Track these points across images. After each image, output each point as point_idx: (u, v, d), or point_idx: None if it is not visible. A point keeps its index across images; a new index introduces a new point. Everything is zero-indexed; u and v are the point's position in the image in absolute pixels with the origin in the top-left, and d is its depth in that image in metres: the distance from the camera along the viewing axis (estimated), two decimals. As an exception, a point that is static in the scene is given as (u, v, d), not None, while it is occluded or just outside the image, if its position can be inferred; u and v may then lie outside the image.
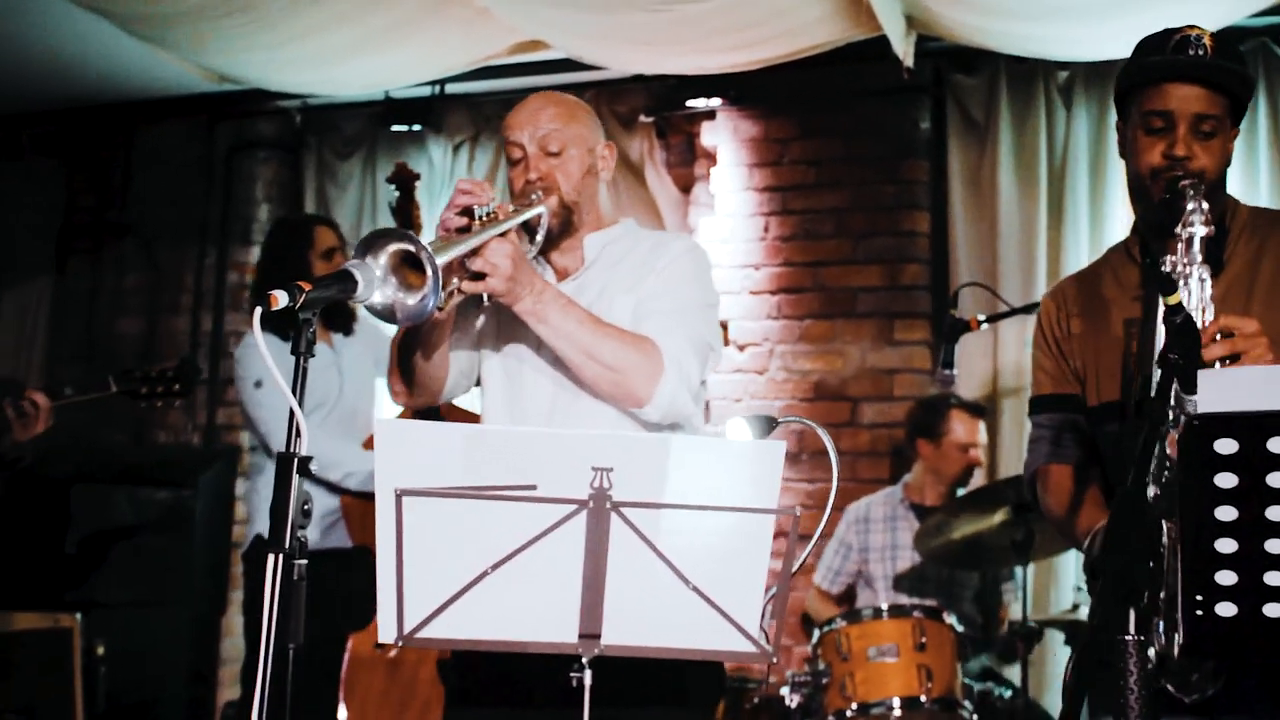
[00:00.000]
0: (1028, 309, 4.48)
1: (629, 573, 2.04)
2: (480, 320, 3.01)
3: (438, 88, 6.62)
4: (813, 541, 2.07)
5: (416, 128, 6.69)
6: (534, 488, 1.98)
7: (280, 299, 2.03)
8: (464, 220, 2.68)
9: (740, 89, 6.10)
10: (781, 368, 6.00)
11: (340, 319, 4.98)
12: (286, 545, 2.04)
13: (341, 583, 4.92)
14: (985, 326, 4.49)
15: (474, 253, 2.60)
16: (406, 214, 5.00)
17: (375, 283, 2.26)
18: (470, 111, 6.81)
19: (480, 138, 6.81)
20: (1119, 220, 5.68)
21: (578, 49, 5.85)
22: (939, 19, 5.39)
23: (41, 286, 7.37)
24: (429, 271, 2.33)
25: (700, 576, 2.04)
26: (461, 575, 2.03)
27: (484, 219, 2.69)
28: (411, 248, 2.32)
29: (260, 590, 4.73)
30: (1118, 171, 5.69)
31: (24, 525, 5.66)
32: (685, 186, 6.40)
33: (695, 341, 2.87)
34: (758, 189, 6.15)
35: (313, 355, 2.13)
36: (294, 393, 2.06)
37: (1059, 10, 5.08)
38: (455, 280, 2.62)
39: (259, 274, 5.07)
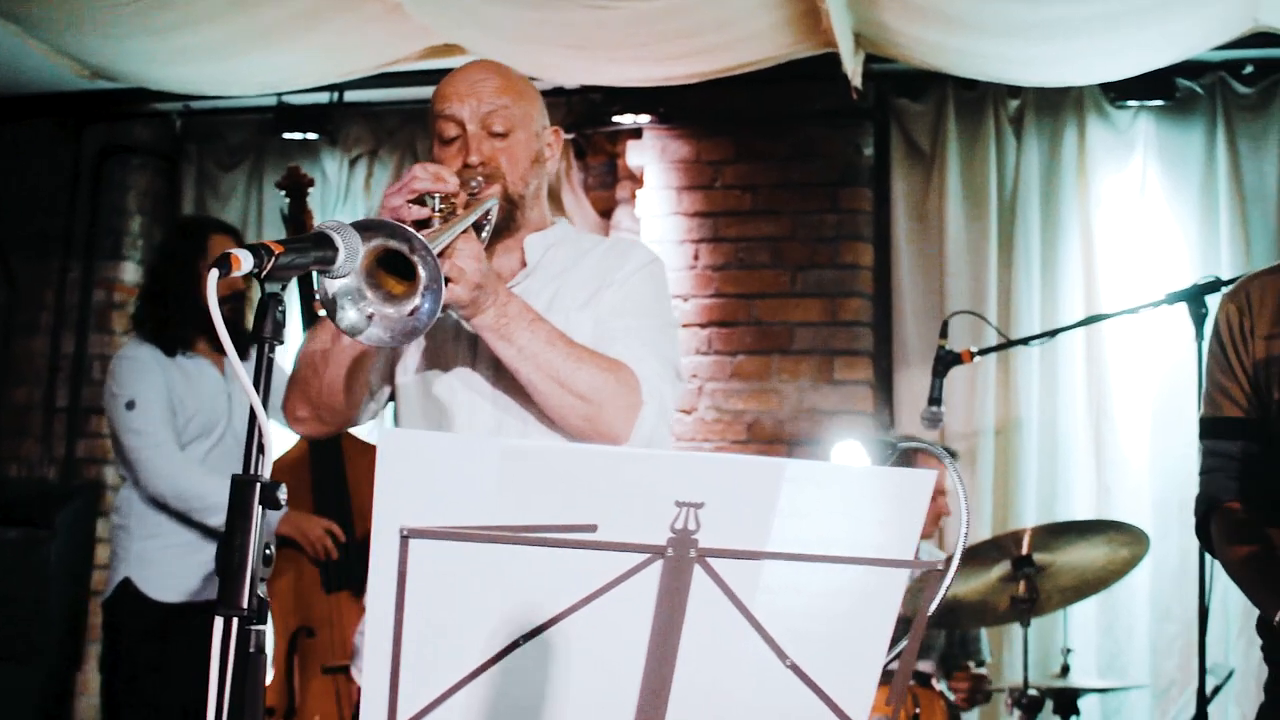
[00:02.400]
0: (1024, 341, 4.08)
1: (709, 645, 1.52)
2: None
3: (336, 94, 6.05)
4: (935, 601, 1.56)
5: (312, 137, 6.10)
6: (593, 528, 1.46)
7: (243, 261, 1.49)
8: (425, 212, 2.19)
9: (671, 106, 5.64)
10: (712, 407, 5.53)
11: (233, 338, 4.38)
12: (244, 604, 1.47)
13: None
14: (978, 359, 4.07)
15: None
16: (299, 222, 4.49)
17: (357, 255, 1.71)
18: (370, 122, 6.26)
19: (380, 152, 6.27)
20: (1072, 254, 5.39)
21: (499, 53, 5.34)
22: (892, 36, 5.02)
23: (-120, 301, 6.56)
24: (422, 271, 1.82)
25: (803, 650, 1.53)
26: (483, 646, 1.50)
27: (440, 211, 2.20)
28: (398, 243, 1.80)
29: (123, 643, 4.14)
30: (1071, 204, 5.41)
31: None
32: (605, 210, 5.93)
33: (667, 368, 2.46)
34: (687, 214, 5.70)
35: (282, 342, 1.59)
36: (258, 392, 1.50)
37: (1024, 27, 4.74)
38: None
39: (147, 281, 4.47)
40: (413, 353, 2.54)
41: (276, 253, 1.53)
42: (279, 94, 5.98)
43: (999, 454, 5.28)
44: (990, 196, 5.48)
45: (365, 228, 1.75)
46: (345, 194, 6.20)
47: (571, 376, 2.28)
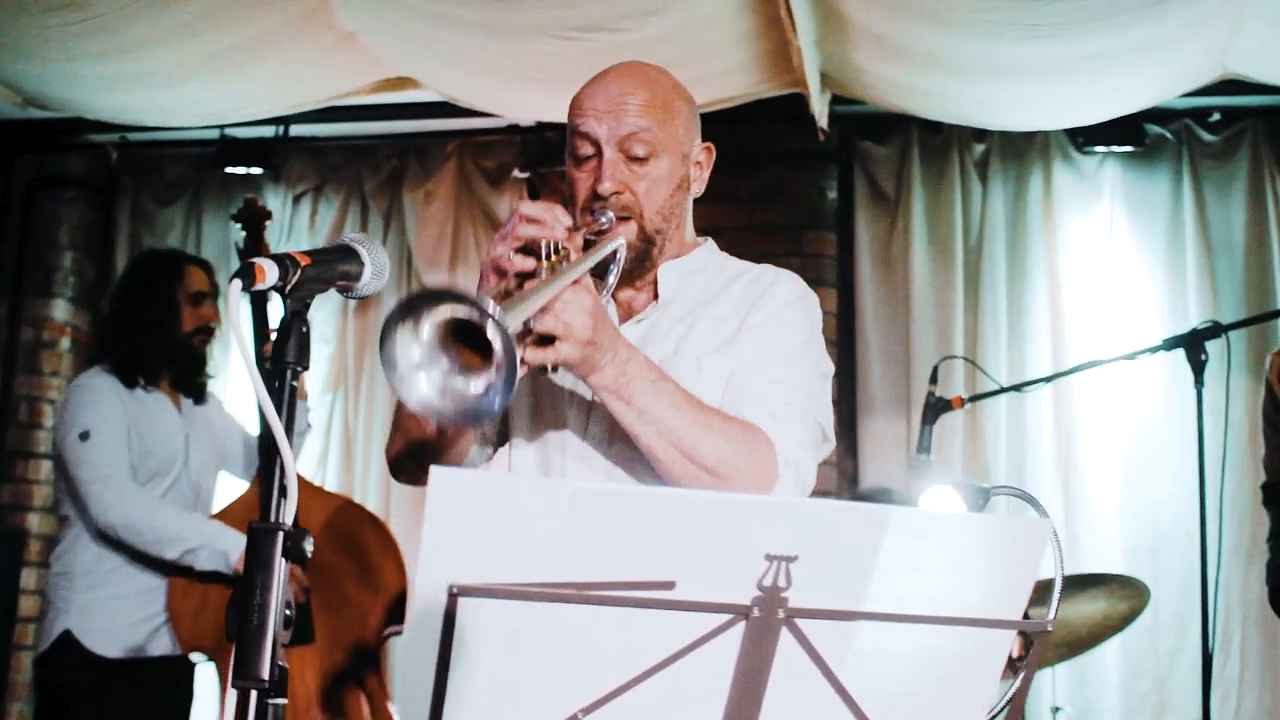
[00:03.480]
0: (1017, 387, 3.95)
1: (791, 715, 1.34)
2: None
3: (281, 128, 5.83)
4: (1037, 665, 1.39)
5: (256, 171, 5.86)
6: (671, 585, 1.27)
7: (268, 273, 1.29)
8: (530, 263, 1.93)
9: (632, 144, 5.47)
10: (672, 455, 5.33)
11: (191, 383, 4.19)
12: (263, 674, 1.26)
13: (163, 699, 4.07)
14: (969, 406, 3.93)
15: (542, 308, 1.86)
16: (256, 257, 4.25)
17: (384, 272, 1.52)
18: (315, 158, 6.05)
19: (325, 189, 6.05)
20: (1039, 301, 5.30)
21: (455, 87, 5.18)
22: (859, 76, 4.92)
23: None
24: (499, 348, 1.60)
25: (896, 718, 1.36)
26: (539, 719, 1.31)
27: (553, 261, 1.93)
28: (469, 313, 1.58)
29: (59, 701, 3.87)
30: (1038, 250, 5.33)
31: None
32: (560, 251, 5.73)
33: (811, 431, 2.17)
34: (647, 256, 5.52)
35: (306, 368, 1.39)
36: (282, 422, 1.30)
37: (996, 68, 4.66)
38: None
39: (116, 308, 4.24)
40: (525, 407, 2.27)
41: (303, 264, 1.34)
42: (221, 126, 5.75)
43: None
44: (956, 242, 5.38)
45: (430, 298, 1.54)
46: (289, 231, 5.97)
47: (697, 445, 2.00)
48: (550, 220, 1.96)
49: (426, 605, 1.26)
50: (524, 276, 1.91)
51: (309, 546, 1.32)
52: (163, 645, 3.98)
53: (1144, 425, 5.09)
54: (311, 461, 5.53)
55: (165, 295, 4.11)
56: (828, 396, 2.26)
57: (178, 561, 3.87)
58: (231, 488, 4.45)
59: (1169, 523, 4.97)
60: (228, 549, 3.85)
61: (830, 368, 2.31)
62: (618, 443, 2.14)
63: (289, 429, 1.34)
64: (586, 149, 2.19)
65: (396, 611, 4.08)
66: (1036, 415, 5.16)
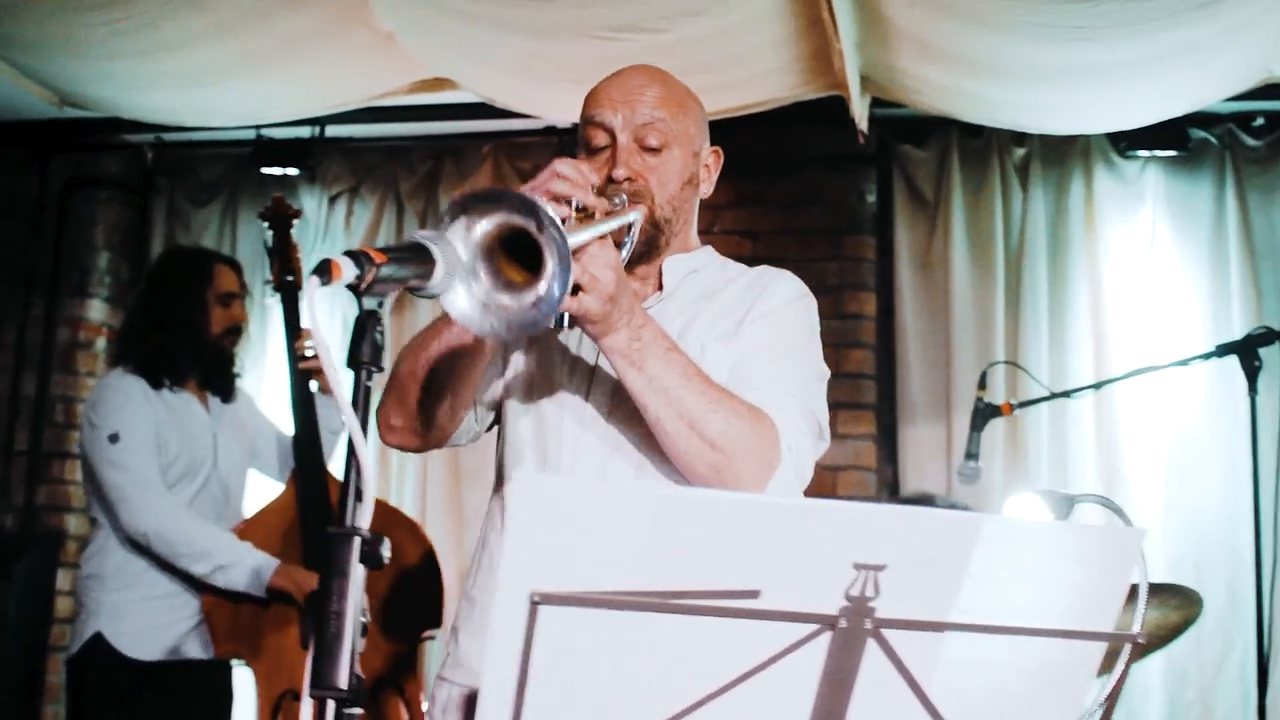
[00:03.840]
0: (1066, 394, 3.89)
1: (877, 727, 1.31)
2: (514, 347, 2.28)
3: (317, 128, 5.81)
4: (1124, 677, 1.35)
5: (292, 171, 5.85)
6: (756, 594, 1.23)
7: (344, 270, 1.26)
8: (563, 210, 1.95)
9: (668, 147, 5.44)
10: (709, 460, 5.30)
11: (221, 380, 4.14)
12: (341, 683, 1.22)
13: (197, 703, 4.04)
14: (1018, 412, 3.88)
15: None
16: (284, 256, 4.25)
17: (458, 271, 1.49)
18: (351, 159, 6.03)
19: (361, 189, 6.03)
20: (1080, 307, 5.24)
21: (493, 88, 5.15)
22: (901, 79, 4.87)
23: None
24: (549, 255, 1.58)
25: (985, 733, 1.32)
26: (617, 728, 1.27)
27: (579, 216, 1.97)
28: (523, 219, 1.56)
29: (91, 704, 3.84)
30: (1079, 256, 5.28)
31: None
32: (596, 254, 5.71)
33: (810, 424, 2.19)
34: (684, 259, 5.48)
35: (381, 369, 1.35)
36: (361, 426, 1.26)
37: (1041, 72, 4.60)
38: None
39: (142, 306, 4.19)
40: (522, 376, 2.30)
41: (379, 262, 1.31)
42: (257, 126, 5.74)
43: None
44: (996, 246, 5.33)
45: (485, 199, 1.52)
46: (325, 232, 5.96)
47: (704, 418, 2.00)
48: (580, 180, 1.99)
49: (508, 613, 1.23)
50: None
51: (386, 552, 1.29)
52: (196, 648, 3.93)
53: (1188, 433, 5.03)
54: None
55: (194, 296, 4.06)
56: (824, 398, 2.29)
57: (206, 578, 3.82)
58: (262, 487, 4.42)
59: (1213, 531, 4.91)
60: (259, 566, 3.80)
61: (827, 371, 2.34)
62: (620, 411, 2.16)
63: (365, 432, 1.31)
64: (601, 139, 2.25)
65: (433, 615, 4.04)
66: (1079, 422, 5.10)
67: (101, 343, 5.96)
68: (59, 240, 6.04)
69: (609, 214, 2.07)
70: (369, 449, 4.26)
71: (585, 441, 2.17)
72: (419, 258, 1.42)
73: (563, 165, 1.98)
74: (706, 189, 2.40)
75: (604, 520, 1.23)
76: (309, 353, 4.05)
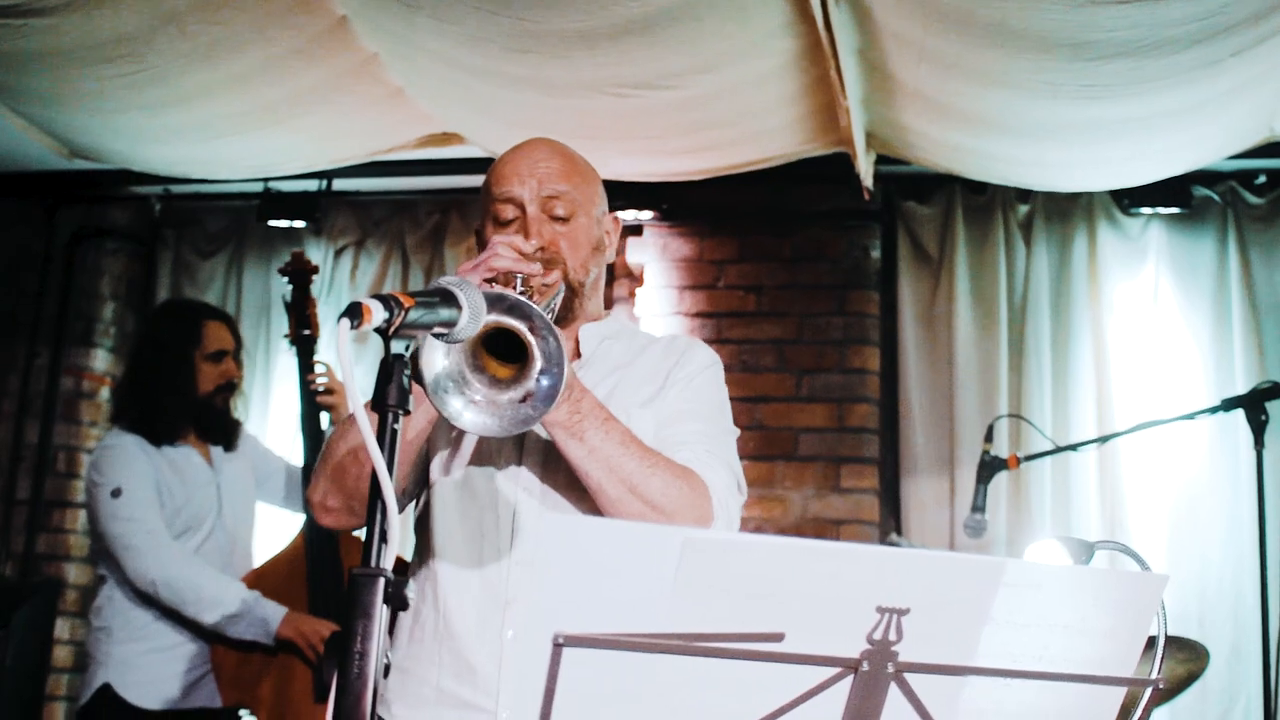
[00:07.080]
0: (1072, 447, 3.90)
1: (901, 772, 1.30)
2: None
3: (324, 182, 5.85)
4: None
5: (298, 224, 5.88)
6: (780, 637, 1.24)
7: (374, 313, 1.27)
8: (506, 287, 1.99)
9: (674, 202, 5.49)
10: (713, 513, 5.29)
11: (220, 431, 4.15)
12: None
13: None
14: (1023, 466, 3.89)
15: None
16: (302, 311, 4.28)
17: (480, 315, 1.51)
18: (357, 212, 6.07)
19: (367, 243, 6.06)
20: (1084, 362, 5.26)
21: (502, 144, 5.15)
22: (905, 136, 4.91)
23: None
24: (539, 352, 1.66)
25: (1008, 781, 1.32)
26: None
27: (521, 294, 2.00)
28: (515, 321, 1.60)
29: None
30: (1082, 312, 5.30)
31: None
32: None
33: (731, 477, 2.30)
34: (689, 314, 5.51)
35: (408, 412, 1.36)
36: (387, 466, 1.27)
37: (1046, 128, 4.64)
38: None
39: (134, 365, 4.22)
40: (450, 446, 2.35)
41: (407, 306, 1.32)
42: (265, 179, 5.78)
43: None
44: (1000, 302, 5.36)
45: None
46: (331, 285, 5.98)
47: (644, 482, 2.11)
48: (519, 256, 2.08)
49: (530, 655, 1.23)
50: None
51: (411, 594, 1.29)
52: (204, 697, 3.94)
53: (1191, 486, 5.04)
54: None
55: (182, 356, 4.07)
56: (736, 454, 2.41)
57: (215, 627, 3.82)
58: (273, 529, 4.42)
59: (1216, 585, 4.90)
60: (268, 617, 3.80)
61: (737, 431, 2.45)
62: (554, 477, 2.24)
63: (392, 475, 1.32)
64: (510, 211, 2.34)
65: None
66: (1082, 476, 5.11)
67: (105, 393, 5.97)
68: (65, 290, 6.06)
69: (546, 286, 2.17)
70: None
71: (525, 504, 2.24)
72: (447, 303, 1.44)
73: (500, 243, 2.07)
74: (610, 254, 2.48)
75: (628, 562, 1.23)
76: (319, 386, 4.09)
